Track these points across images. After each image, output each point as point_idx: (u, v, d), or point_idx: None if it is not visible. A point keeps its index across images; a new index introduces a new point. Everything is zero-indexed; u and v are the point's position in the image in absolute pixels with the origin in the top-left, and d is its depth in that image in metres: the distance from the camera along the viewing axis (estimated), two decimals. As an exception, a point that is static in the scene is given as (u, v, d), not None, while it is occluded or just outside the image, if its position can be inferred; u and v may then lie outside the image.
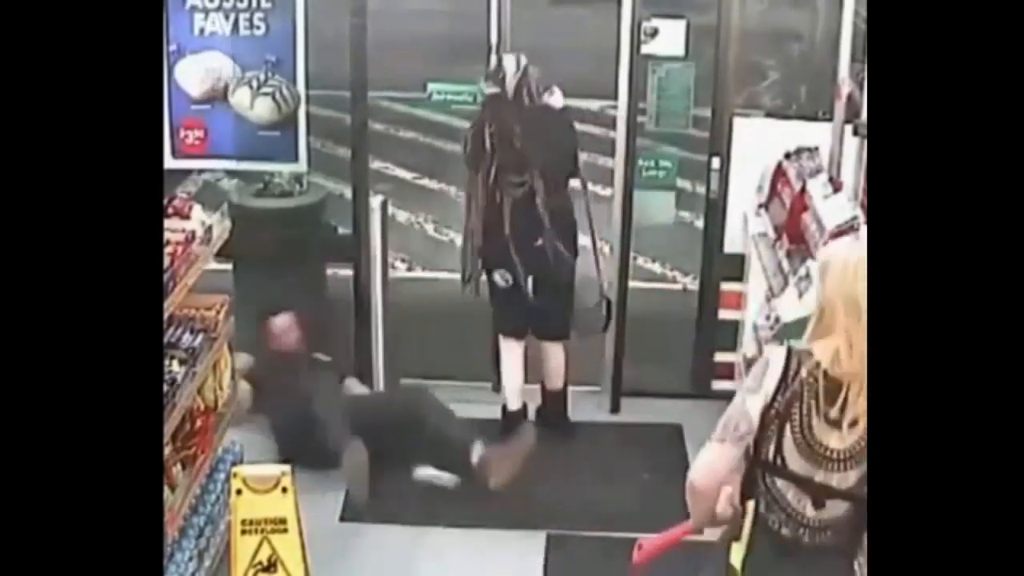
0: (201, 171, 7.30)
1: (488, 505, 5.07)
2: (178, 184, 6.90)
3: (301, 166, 5.88)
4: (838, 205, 4.52)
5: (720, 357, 5.87)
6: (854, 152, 4.84)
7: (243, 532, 4.05)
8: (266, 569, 4.06)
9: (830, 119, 5.12)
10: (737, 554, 3.02)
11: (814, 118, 5.49)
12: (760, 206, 5.39)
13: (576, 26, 7.74)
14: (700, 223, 5.96)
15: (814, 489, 2.88)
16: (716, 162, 5.61)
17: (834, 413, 2.82)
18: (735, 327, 5.74)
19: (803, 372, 2.86)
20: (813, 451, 2.86)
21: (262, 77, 5.69)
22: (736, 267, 5.63)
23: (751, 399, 2.92)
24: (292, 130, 5.76)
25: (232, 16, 5.64)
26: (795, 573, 2.94)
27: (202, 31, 5.66)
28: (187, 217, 4.46)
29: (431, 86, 5.56)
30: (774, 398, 2.89)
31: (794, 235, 4.77)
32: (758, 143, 5.47)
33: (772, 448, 2.90)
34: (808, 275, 4.19)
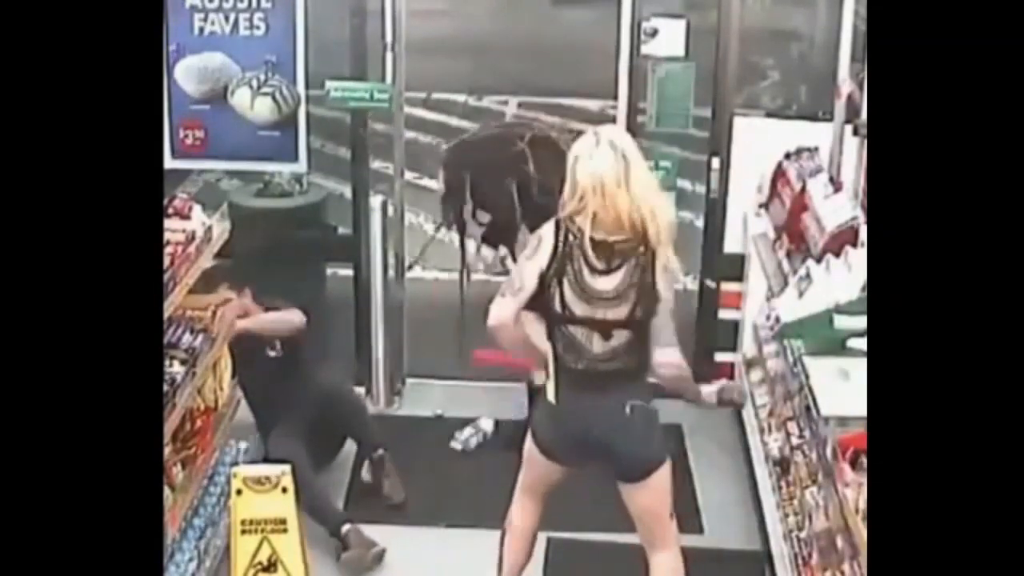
0: (201, 171, 7.29)
1: (489, 507, 5.07)
2: (178, 184, 6.88)
3: (301, 166, 5.88)
4: (838, 205, 4.52)
5: (720, 357, 5.87)
6: (854, 152, 4.83)
7: (243, 532, 4.05)
8: (266, 569, 4.07)
9: (830, 119, 5.11)
10: (551, 389, 3.75)
11: (814, 118, 5.48)
12: (760, 206, 5.38)
13: (576, 26, 7.76)
14: (700, 223, 5.96)
15: (599, 325, 3.62)
16: (716, 162, 5.61)
17: (600, 264, 3.57)
18: (735, 327, 5.74)
19: (570, 238, 3.58)
20: (589, 296, 3.60)
21: (262, 77, 5.69)
22: (736, 267, 5.63)
23: (528, 264, 3.64)
24: (292, 130, 5.77)
25: (232, 16, 5.64)
26: (595, 396, 3.69)
27: (202, 31, 5.66)
28: (187, 217, 4.46)
29: (329, 84, 5.55)
30: (550, 264, 3.58)
31: (794, 235, 4.77)
32: (758, 143, 5.47)
33: (557, 302, 3.61)
34: (808, 275, 4.19)
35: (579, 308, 3.61)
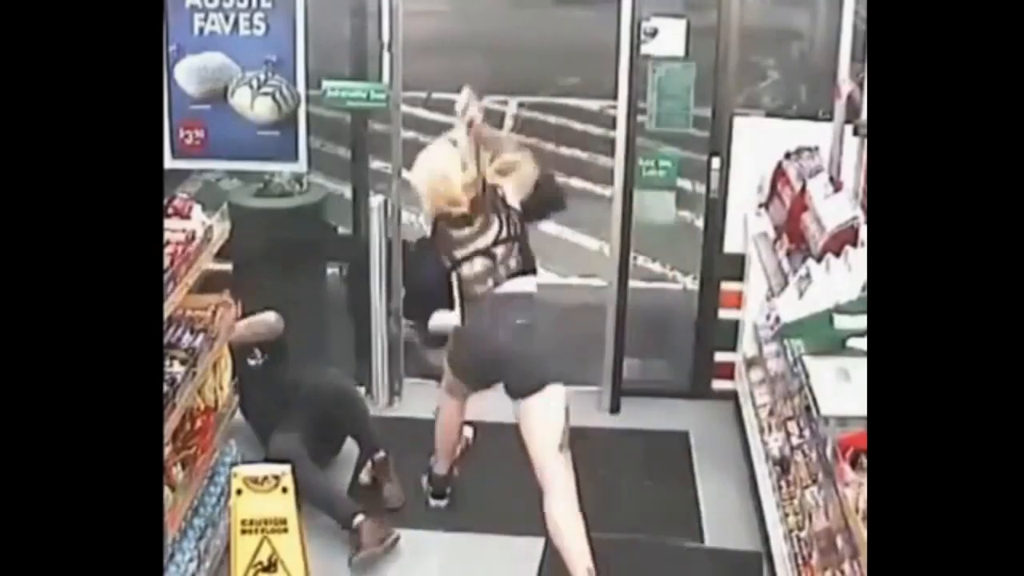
0: (201, 171, 7.29)
1: (488, 510, 5.07)
2: (178, 184, 6.88)
3: (301, 166, 5.88)
4: (838, 205, 4.52)
5: (720, 357, 5.87)
6: (854, 152, 4.83)
7: (243, 532, 4.05)
8: (266, 569, 4.06)
9: (830, 119, 5.11)
10: (458, 317, 4.51)
11: (814, 118, 5.48)
12: (760, 206, 5.38)
13: (576, 26, 7.75)
14: (700, 223, 5.96)
15: (481, 253, 4.46)
16: (716, 162, 5.61)
17: (467, 219, 4.45)
18: (735, 327, 5.74)
19: (441, 218, 4.48)
20: (461, 240, 4.46)
21: (262, 77, 5.68)
22: (736, 267, 5.63)
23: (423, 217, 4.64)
24: (292, 130, 5.76)
25: (232, 16, 5.64)
26: (491, 317, 4.42)
27: (202, 31, 5.66)
28: (187, 217, 4.46)
29: (326, 84, 5.56)
30: (433, 236, 4.55)
31: (794, 235, 4.77)
32: (758, 143, 5.47)
33: (449, 250, 4.49)
34: (808, 275, 4.19)
35: (460, 253, 4.47)
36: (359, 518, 4.75)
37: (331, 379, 5.27)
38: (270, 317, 5.10)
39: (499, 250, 4.44)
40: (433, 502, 5.11)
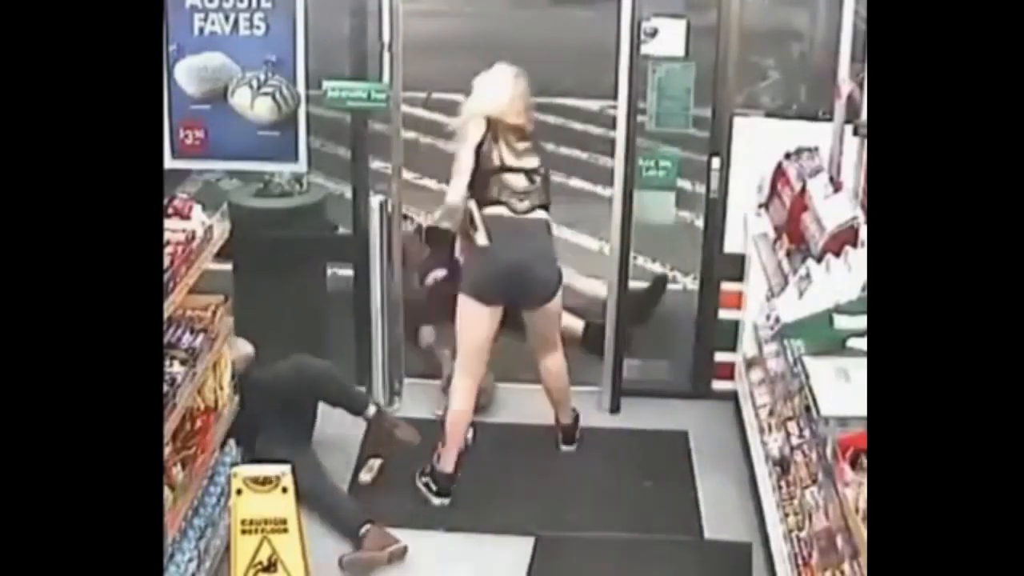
0: (201, 171, 7.29)
1: (488, 510, 5.07)
2: (178, 184, 6.88)
3: (301, 166, 5.88)
4: (838, 205, 4.52)
5: (720, 357, 5.87)
6: (854, 152, 4.83)
7: (243, 532, 4.05)
8: (266, 569, 4.06)
9: (830, 119, 5.11)
10: (482, 237, 4.97)
11: (814, 118, 5.47)
12: (760, 206, 5.38)
13: (576, 26, 7.74)
14: (700, 223, 5.96)
15: (525, 171, 5.04)
16: (716, 162, 5.61)
17: (519, 133, 5.05)
18: (735, 327, 5.74)
19: (497, 123, 5.01)
20: (516, 151, 5.03)
21: (262, 77, 5.68)
22: (736, 267, 5.63)
23: (463, 149, 5.01)
24: (292, 130, 5.76)
25: (232, 16, 5.63)
26: (518, 236, 4.99)
27: (202, 31, 5.65)
28: (187, 217, 4.46)
29: (326, 84, 5.56)
30: (484, 137, 4.99)
31: (794, 235, 4.77)
32: (758, 143, 5.47)
33: (497, 158, 4.99)
34: (808, 275, 4.19)
35: (511, 159, 5.02)
36: (365, 527, 4.73)
37: (289, 367, 5.15)
38: (244, 349, 5.05)
39: (536, 178, 5.06)
40: (437, 501, 5.11)
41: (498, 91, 5.10)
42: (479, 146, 4.98)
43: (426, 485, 5.13)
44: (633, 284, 5.91)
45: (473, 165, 4.97)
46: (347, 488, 5.16)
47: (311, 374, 5.14)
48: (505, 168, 5.00)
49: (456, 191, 4.99)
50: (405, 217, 6.79)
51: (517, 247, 4.98)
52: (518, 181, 5.02)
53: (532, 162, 5.06)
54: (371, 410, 5.18)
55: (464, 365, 5.11)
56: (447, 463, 5.11)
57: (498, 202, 4.99)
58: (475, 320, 5.02)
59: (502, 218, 4.99)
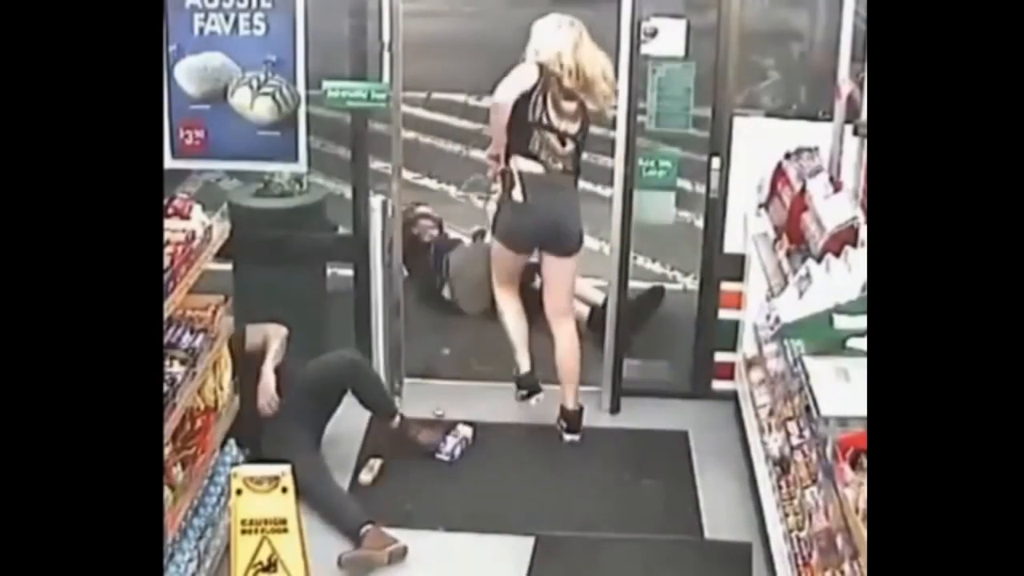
0: (201, 171, 7.29)
1: (488, 510, 5.07)
2: (178, 184, 6.88)
3: (301, 166, 5.88)
4: (838, 205, 4.51)
5: (720, 357, 5.87)
6: (854, 152, 4.83)
7: (243, 532, 4.04)
8: (266, 569, 4.06)
9: (830, 119, 5.11)
10: (518, 193, 5.30)
11: (814, 118, 5.47)
12: (760, 206, 5.38)
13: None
14: (700, 223, 5.96)
15: (560, 134, 5.30)
16: (716, 162, 5.61)
17: (567, 94, 5.27)
18: (735, 327, 5.74)
19: (550, 75, 5.24)
20: (560, 112, 5.27)
21: (262, 77, 5.68)
22: (736, 267, 5.63)
23: (525, 69, 5.26)
24: (292, 130, 5.76)
25: (232, 16, 5.63)
26: (551, 192, 5.33)
27: (202, 31, 5.65)
28: (187, 217, 4.46)
29: (326, 84, 5.56)
30: (534, 87, 5.20)
31: (794, 235, 4.77)
32: (758, 143, 5.47)
33: (541, 112, 5.23)
34: (808, 275, 4.18)
35: (554, 119, 5.26)
36: (365, 528, 4.73)
37: (332, 359, 5.30)
38: (283, 330, 5.21)
39: (574, 143, 5.33)
40: (533, 400, 5.70)
41: (551, 38, 5.29)
42: (528, 95, 5.19)
43: (519, 391, 5.73)
44: (633, 284, 5.91)
45: (510, 115, 5.24)
46: (347, 488, 5.15)
47: (360, 367, 5.31)
48: (548, 126, 5.25)
49: (504, 93, 5.25)
50: (424, 216, 6.88)
51: (546, 204, 5.32)
52: (556, 143, 5.30)
53: (573, 127, 5.30)
54: (397, 417, 5.31)
55: (501, 295, 5.69)
56: (523, 364, 5.71)
57: (535, 158, 5.29)
58: (505, 262, 5.60)
59: (534, 175, 5.30)
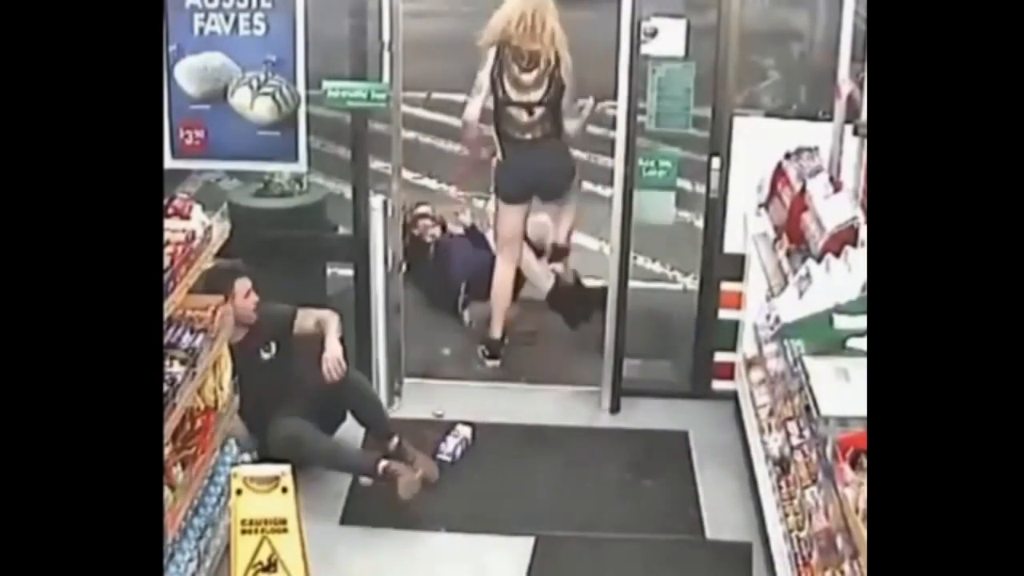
0: (201, 171, 7.29)
1: (488, 510, 5.07)
2: (178, 184, 6.88)
3: (301, 166, 5.88)
4: (838, 205, 4.51)
5: (720, 357, 5.87)
6: (854, 152, 4.83)
7: (243, 532, 4.04)
8: (266, 569, 4.06)
9: (830, 119, 5.11)
10: (500, 155, 5.89)
11: (814, 118, 5.47)
12: (760, 206, 5.38)
13: (576, 26, 7.75)
14: (700, 223, 5.96)
15: (526, 105, 5.77)
16: (716, 162, 5.61)
17: (524, 65, 5.70)
18: (735, 327, 5.74)
19: (506, 51, 5.77)
20: (519, 85, 5.74)
21: (262, 77, 5.68)
22: (736, 267, 5.63)
23: (481, 74, 5.80)
24: (292, 130, 5.76)
25: (232, 16, 5.63)
26: (529, 152, 5.86)
27: (202, 31, 5.65)
28: (187, 217, 4.45)
29: (326, 84, 5.56)
30: (493, 66, 5.73)
31: (794, 235, 4.77)
32: (758, 143, 5.47)
33: (500, 90, 5.73)
34: (808, 275, 4.19)
35: (514, 94, 5.74)
36: (383, 463, 4.94)
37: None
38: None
39: (539, 111, 5.75)
40: (489, 363, 6.06)
41: (501, 15, 5.70)
42: (492, 73, 5.73)
43: (481, 352, 6.09)
44: (633, 284, 5.91)
45: (489, 90, 5.77)
46: (347, 488, 5.15)
47: (362, 386, 5.33)
48: (508, 102, 5.75)
49: (469, 111, 5.91)
50: (424, 216, 6.88)
51: (524, 161, 5.87)
52: (520, 115, 5.78)
53: (535, 95, 5.72)
54: (394, 441, 5.24)
55: (503, 252, 6.15)
56: (495, 330, 6.11)
57: (502, 133, 5.83)
58: (507, 217, 6.07)
59: (513, 140, 5.85)
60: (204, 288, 4.64)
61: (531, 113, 5.77)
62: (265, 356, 5.16)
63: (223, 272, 4.96)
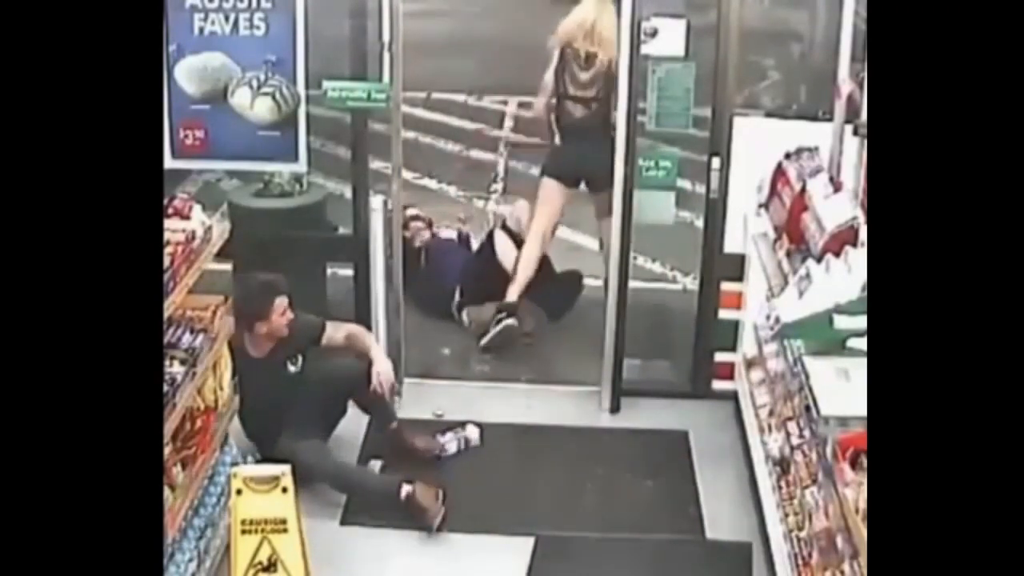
0: (201, 171, 7.29)
1: (488, 510, 5.07)
2: (178, 184, 6.89)
3: (301, 166, 5.88)
4: (838, 205, 4.52)
5: (720, 357, 5.87)
6: (854, 152, 4.83)
7: (243, 532, 4.05)
8: (266, 569, 4.06)
9: (830, 119, 5.11)
10: (558, 138, 6.46)
11: (814, 118, 5.47)
12: (760, 206, 5.38)
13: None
14: (700, 223, 5.96)
15: (582, 100, 6.26)
16: (716, 162, 5.61)
17: (582, 64, 6.22)
18: (735, 327, 5.74)
19: (568, 52, 6.26)
20: (577, 82, 6.27)
21: (262, 77, 5.68)
22: (736, 267, 5.63)
23: (547, 74, 6.39)
24: (292, 130, 5.76)
25: (232, 16, 5.64)
26: (581, 139, 6.31)
27: (202, 31, 5.65)
28: (187, 217, 4.45)
29: (326, 84, 5.56)
30: (557, 65, 6.29)
31: (794, 235, 4.77)
32: (758, 143, 5.47)
33: (562, 85, 6.32)
34: (808, 275, 4.19)
35: (572, 89, 6.30)
36: (406, 488, 4.90)
37: (339, 367, 5.32)
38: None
39: (593, 106, 6.24)
40: (505, 322, 6.25)
41: (570, 20, 6.29)
42: (556, 70, 6.32)
43: (497, 310, 6.30)
44: (633, 284, 5.91)
45: (553, 87, 6.36)
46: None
47: (359, 375, 5.32)
48: (567, 96, 6.31)
49: (537, 105, 6.57)
50: (416, 218, 6.88)
51: (580, 150, 6.31)
52: (576, 109, 6.30)
53: (590, 92, 6.23)
54: (395, 423, 5.35)
55: (536, 228, 6.47)
56: (512, 294, 6.37)
57: (561, 122, 6.39)
58: (550, 194, 6.46)
59: (569, 129, 6.38)
60: (240, 306, 4.78)
61: (587, 107, 6.23)
62: (292, 369, 5.15)
63: (262, 288, 5.00)
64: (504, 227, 6.85)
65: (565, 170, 6.45)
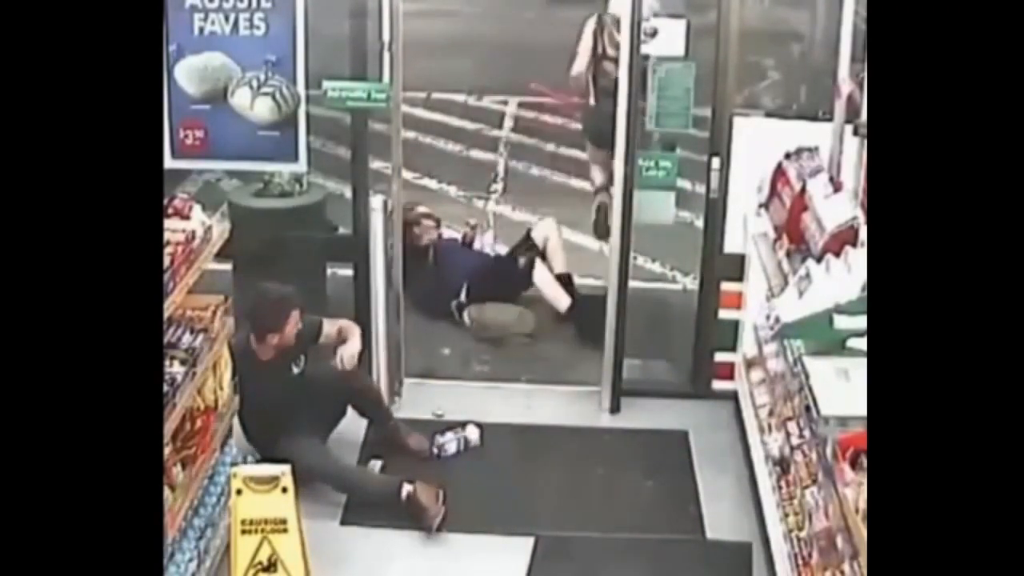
0: (201, 171, 7.29)
1: (488, 510, 5.07)
2: (178, 184, 6.89)
3: (301, 166, 5.88)
4: (838, 205, 4.52)
5: (720, 357, 5.87)
6: (854, 152, 4.83)
7: (243, 532, 4.05)
8: (266, 569, 4.07)
9: (830, 119, 5.11)
10: (593, 99, 7.21)
11: (814, 118, 5.48)
12: (760, 206, 5.38)
13: (576, 26, 7.81)
14: (700, 223, 5.96)
15: (617, 60, 5.69)
16: (716, 162, 5.61)
17: (619, 27, 5.69)
18: (735, 327, 5.74)
19: (604, 19, 6.99)
20: (614, 40, 6.34)
21: (262, 77, 5.68)
22: (736, 267, 5.63)
23: (584, 40, 7.16)
24: (292, 130, 5.76)
25: (232, 16, 5.64)
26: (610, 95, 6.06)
27: (202, 31, 5.65)
28: (187, 217, 4.45)
29: (326, 84, 5.56)
30: (596, 27, 7.08)
31: (794, 235, 4.77)
32: (758, 143, 5.47)
33: (601, 46, 6.94)
34: (808, 275, 4.19)
35: (610, 50, 6.71)
36: (406, 488, 4.92)
37: (340, 374, 5.32)
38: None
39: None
40: (599, 196, 7.24)
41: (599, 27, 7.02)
42: (595, 32, 7.01)
43: (596, 196, 7.39)
44: (633, 284, 5.91)
45: (591, 48, 7.04)
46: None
47: (360, 382, 5.38)
48: (604, 56, 6.91)
49: (576, 65, 7.18)
50: (427, 216, 6.88)
51: (608, 108, 6.03)
52: (613, 70, 6.32)
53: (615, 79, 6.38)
54: (391, 423, 5.41)
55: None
56: (598, 179, 7.42)
57: (597, 82, 6.98)
58: (595, 160, 7.28)
59: (605, 89, 6.81)
60: (255, 318, 4.90)
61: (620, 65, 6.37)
62: (295, 370, 5.17)
63: (279, 302, 5.01)
64: (541, 254, 6.78)
65: (603, 128, 6.36)
